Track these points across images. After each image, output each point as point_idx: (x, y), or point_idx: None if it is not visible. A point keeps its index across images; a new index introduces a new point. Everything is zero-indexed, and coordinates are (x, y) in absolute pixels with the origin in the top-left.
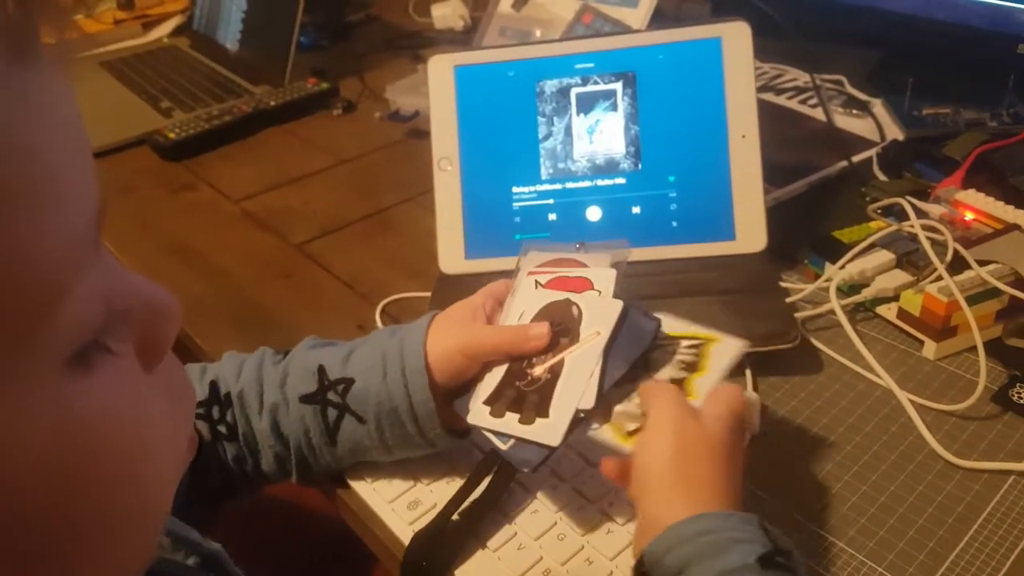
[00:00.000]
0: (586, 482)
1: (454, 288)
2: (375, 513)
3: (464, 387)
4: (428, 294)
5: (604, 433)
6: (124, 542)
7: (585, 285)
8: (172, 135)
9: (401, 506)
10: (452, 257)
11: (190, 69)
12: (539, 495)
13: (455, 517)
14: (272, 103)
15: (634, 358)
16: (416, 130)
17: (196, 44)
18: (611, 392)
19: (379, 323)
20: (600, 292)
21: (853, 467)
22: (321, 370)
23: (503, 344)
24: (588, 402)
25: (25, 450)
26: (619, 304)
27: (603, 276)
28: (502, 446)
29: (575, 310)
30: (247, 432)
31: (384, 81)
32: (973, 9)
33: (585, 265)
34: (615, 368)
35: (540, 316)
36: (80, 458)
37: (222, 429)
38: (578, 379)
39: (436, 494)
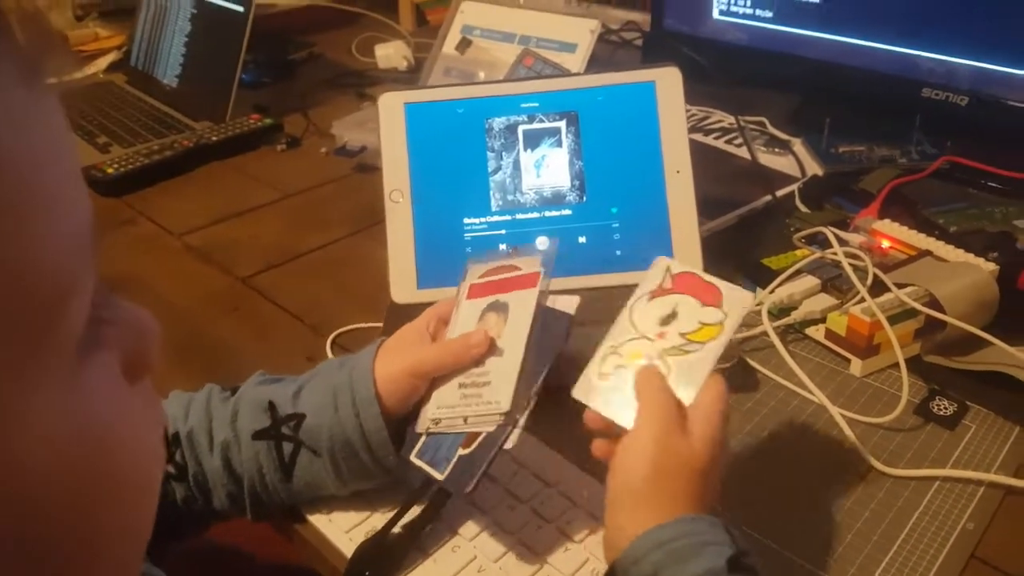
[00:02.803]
0: (543, 502)
1: (406, 318)
2: (332, 543)
3: (415, 410)
4: (380, 324)
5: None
6: (138, 543)
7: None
8: (111, 170)
9: (359, 535)
10: (404, 287)
11: (128, 105)
12: (497, 517)
13: (397, 529)
14: (214, 138)
15: (549, 362)
16: (363, 165)
17: (133, 80)
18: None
19: (330, 355)
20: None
21: (791, 478)
22: (272, 406)
23: (448, 357)
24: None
25: (47, 452)
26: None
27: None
28: (439, 476)
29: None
30: (197, 472)
31: (328, 118)
32: (882, 57)
33: (519, 268)
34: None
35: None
36: (98, 460)
37: (170, 469)
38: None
39: None
